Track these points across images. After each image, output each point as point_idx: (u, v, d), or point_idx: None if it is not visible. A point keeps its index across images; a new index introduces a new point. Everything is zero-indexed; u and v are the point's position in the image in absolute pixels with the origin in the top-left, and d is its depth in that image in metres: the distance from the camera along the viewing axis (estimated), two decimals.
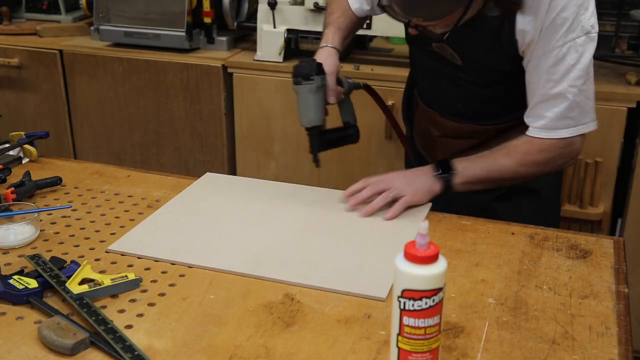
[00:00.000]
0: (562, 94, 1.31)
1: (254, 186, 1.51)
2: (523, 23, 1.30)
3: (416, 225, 0.84)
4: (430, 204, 1.40)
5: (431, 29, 1.27)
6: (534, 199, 1.51)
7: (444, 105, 1.56)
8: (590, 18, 1.28)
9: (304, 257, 1.21)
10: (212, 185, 1.47)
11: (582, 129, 1.36)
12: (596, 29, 1.29)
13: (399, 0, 1.21)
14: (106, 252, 1.23)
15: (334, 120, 1.55)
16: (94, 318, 1.00)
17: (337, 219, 1.35)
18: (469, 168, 1.39)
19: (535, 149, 1.38)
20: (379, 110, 1.76)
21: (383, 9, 1.26)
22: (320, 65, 1.44)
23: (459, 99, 1.51)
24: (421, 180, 1.39)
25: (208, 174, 1.55)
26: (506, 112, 1.48)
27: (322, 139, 1.49)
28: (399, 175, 1.42)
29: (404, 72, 1.82)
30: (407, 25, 1.38)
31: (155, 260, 1.20)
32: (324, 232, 1.30)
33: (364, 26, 2.18)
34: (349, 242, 1.26)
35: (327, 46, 1.53)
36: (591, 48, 1.29)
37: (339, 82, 1.51)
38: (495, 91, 1.44)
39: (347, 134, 1.58)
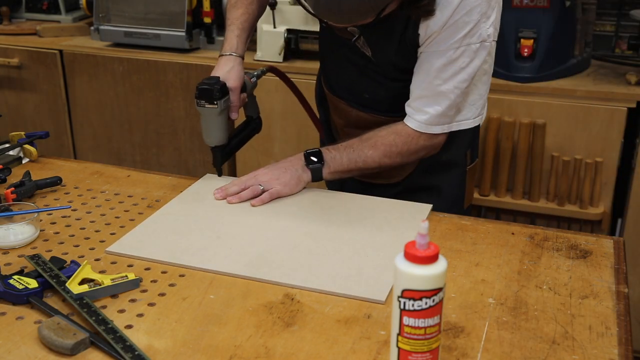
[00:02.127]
0: (446, 93, 1.37)
1: None
2: (429, 19, 1.32)
3: (416, 227, 0.83)
4: (430, 205, 1.40)
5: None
6: (433, 196, 1.53)
7: (351, 93, 1.58)
8: (489, 27, 1.33)
9: (304, 259, 1.20)
10: (212, 186, 1.47)
11: (453, 126, 1.43)
12: (492, 38, 1.35)
13: (312, 4, 1.22)
14: (106, 252, 1.23)
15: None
16: (94, 318, 1.00)
17: (336, 221, 1.34)
18: (336, 159, 1.45)
19: (401, 141, 1.43)
20: None
21: (298, 2, 1.30)
22: (223, 86, 1.45)
23: (367, 88, 1.53)
24: (290, 172, 1.44)
25: (208, 174, 1.55)
26: None
27: (225, 153, 1.54)
28: (267, 171, 1.45)
29: None
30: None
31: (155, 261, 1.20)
32: (324, 234, 1.29)
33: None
34: (348, 244, 1.25)
35: (231, 55, 1.51)
36: (482, 55, 1.35)
37: (242, 88, 1.52)
38: (402, 85, 1.45)
39: (251, 129, 1.65)
